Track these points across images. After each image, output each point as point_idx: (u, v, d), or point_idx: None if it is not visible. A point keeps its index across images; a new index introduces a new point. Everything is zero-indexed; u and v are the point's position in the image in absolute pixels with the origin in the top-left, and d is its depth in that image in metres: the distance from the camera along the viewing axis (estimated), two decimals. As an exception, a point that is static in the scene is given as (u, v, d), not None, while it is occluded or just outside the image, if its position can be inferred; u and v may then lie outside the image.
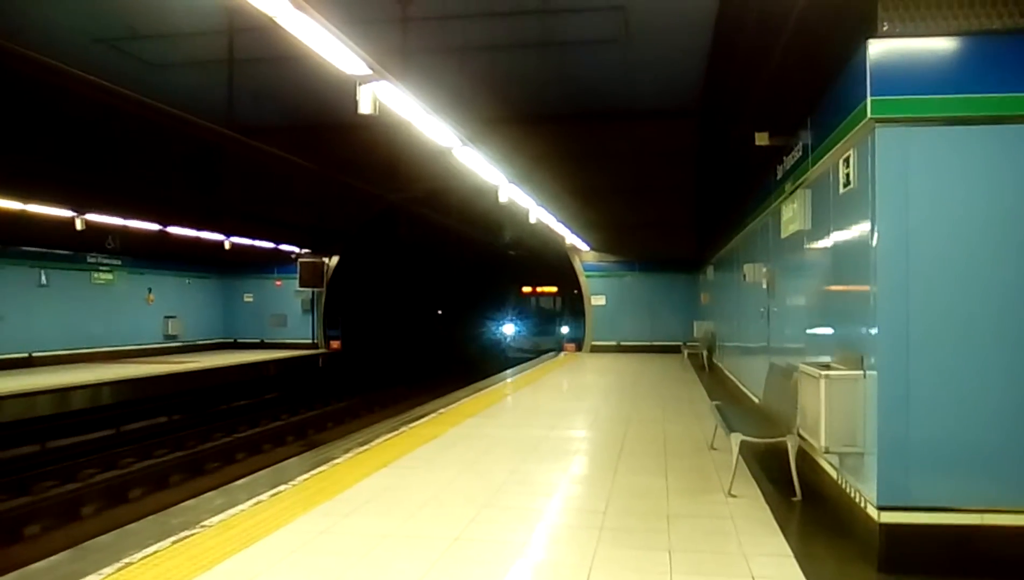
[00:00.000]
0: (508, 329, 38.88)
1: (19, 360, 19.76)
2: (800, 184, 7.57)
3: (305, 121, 11.29)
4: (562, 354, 26.99)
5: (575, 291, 31.22)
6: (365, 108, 7.02)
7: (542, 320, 38.01)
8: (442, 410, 12.04)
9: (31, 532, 9.76)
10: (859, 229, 5.60)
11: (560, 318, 37.80)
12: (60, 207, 17.36)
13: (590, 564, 5.03)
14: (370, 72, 6.83)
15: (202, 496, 6.95)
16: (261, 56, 8.16)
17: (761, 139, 8.23)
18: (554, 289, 38.03)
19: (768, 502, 6.55)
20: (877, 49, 5.16)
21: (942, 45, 5.19)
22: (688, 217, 19.05)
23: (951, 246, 5.14)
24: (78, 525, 10.13)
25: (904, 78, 5.14)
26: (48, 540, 9.29)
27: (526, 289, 38.80)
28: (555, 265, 30.18)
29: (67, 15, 7.76)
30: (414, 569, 4.94)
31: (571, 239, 24.44)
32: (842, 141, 5.82)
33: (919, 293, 5.13)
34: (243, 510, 6.23)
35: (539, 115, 11.25)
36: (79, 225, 18.17)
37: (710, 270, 20.93)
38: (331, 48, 6.28)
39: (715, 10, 6.82)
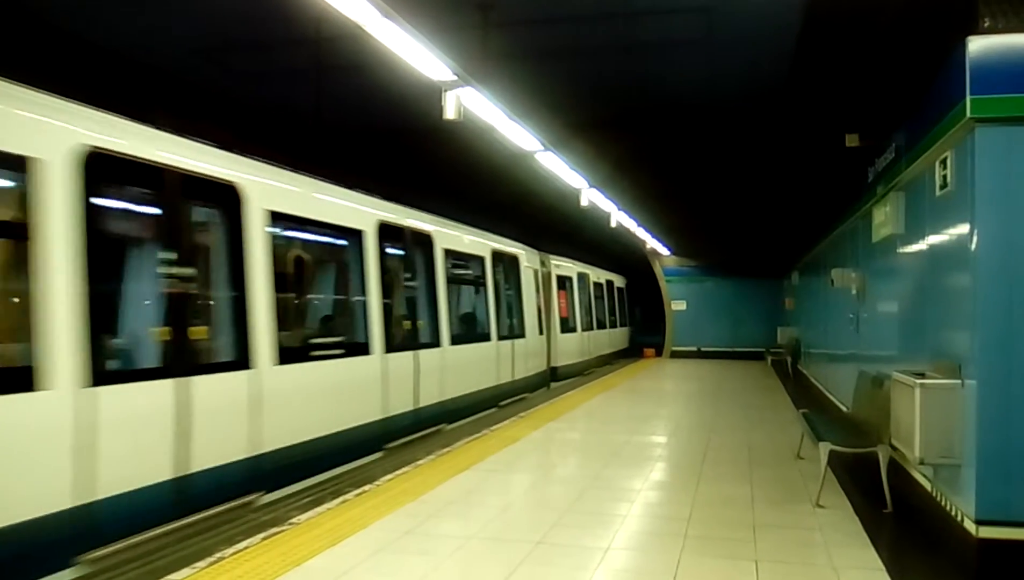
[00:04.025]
0: None
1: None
2: (893, 187, 7.35)
3: (390, 126, 11.48)
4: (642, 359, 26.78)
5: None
6: (450, 113, 7.12)
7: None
8: (523, 414, 12.07)
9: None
10: (957, 233, 5.41)
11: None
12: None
13: (674, 572, 4.96)
14: (455, 78, 6.92)
15: (290, 493, 7.13)
16: (347, 64, 8.32)
17: (851, 141, 8.03)
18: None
19: (858, 514, 6.35)
20: (977, 46, 4.98)
21: (1047, 41, 4.97)
22: (772, 222, 18.68)
23: (1057, 251, 4.92)
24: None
25: (1006, 76, 4.95)
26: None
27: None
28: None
29: (170, 28, 8.08)
30: (497, 571, 4.96)
31: (651, 243, 24.25)
32: (939, 142, 5.63)
33: (1022, 299, 4.93)
34: (330, 508, 6.35)
35: (621, 119, 11.18)
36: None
37: (795, 275, 20.50)
38: (418, 55, 6.39)
39: (803, 8, 6.68)
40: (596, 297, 23.74)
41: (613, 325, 26.85)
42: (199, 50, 8.71)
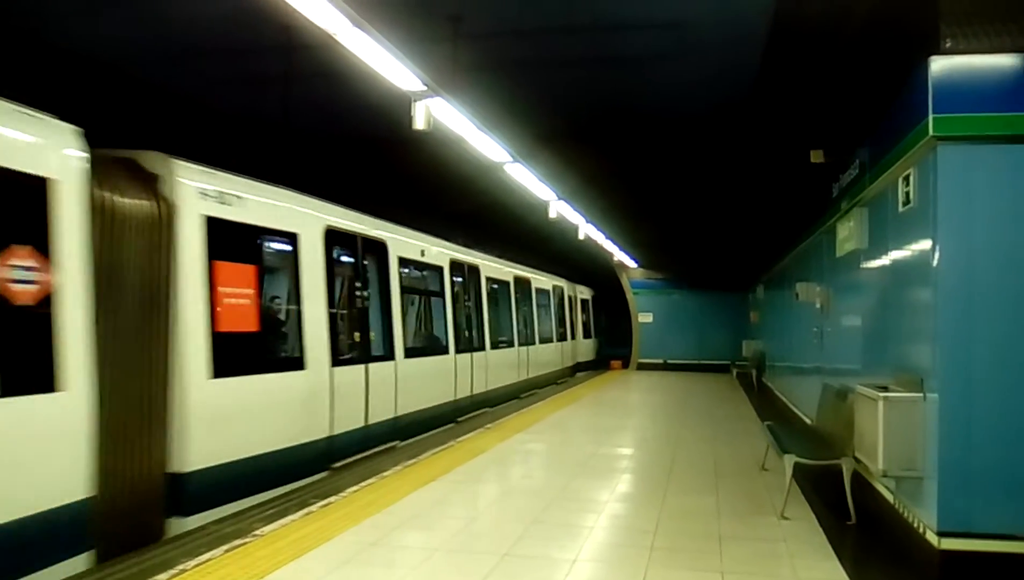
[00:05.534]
0: None
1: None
2: (857, 202, 7.46)
3: (359, 135, 11.46)
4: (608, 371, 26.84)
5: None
6: (420, 124, 7.11)
7: None
8: (490, 425, 12.04)
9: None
10: (919, 248, 5.50)
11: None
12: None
13: (641, 584, 4.97)
14: (425, 88, 6.91)
15: (254, 504, 7.04)
16: (317, 72, 8.29)
17: (816, 157, 8.14)
18: None
19: (822, 525, 6.41)
20: (939, 66, 5.08)
21: (1007, 62, 5.10)
22: (738, 235, 18.89)
23: (1016, 267, 5.01)
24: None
25: (967, 95, 5.05)
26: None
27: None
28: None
29: (137, 33, 7.99)
30: (464, 584, 4.94)
31: (619, 256, 24.37)
32: (902, 159, 5.73)
33: (982, 314, 5.02)
34: (294, 520, 6.28)
35: (590, 131, 11.26)
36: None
37: (760, 289, 20.70)
38: (387, 65, 6.37)
39: (770, 24, 6.77)
40: (410, 291, 12.64)
41: (530, 341, 19.84)
42: (166, 55, 8.63)
